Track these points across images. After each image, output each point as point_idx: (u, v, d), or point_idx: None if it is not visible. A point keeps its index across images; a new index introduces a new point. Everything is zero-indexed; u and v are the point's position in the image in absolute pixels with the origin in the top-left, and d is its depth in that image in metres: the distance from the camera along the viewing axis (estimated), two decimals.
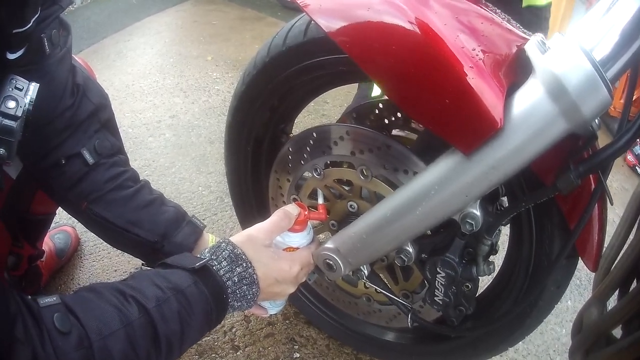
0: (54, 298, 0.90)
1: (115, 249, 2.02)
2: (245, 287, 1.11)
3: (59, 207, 1.66)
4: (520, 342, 1.95)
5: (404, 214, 1.05)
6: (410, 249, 1.16)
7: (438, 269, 1.16)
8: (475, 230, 1.02)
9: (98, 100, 1.38)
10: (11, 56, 1.04)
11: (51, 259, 1.93)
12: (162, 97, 3.15)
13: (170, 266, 1.08)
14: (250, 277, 1.12)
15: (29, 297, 0.88)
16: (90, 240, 2.14)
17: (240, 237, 1.18)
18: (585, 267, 2.30)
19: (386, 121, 1.37)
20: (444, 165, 0.96)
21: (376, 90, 2.24)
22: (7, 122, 1.04)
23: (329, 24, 0.99)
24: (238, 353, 1.80)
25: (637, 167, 3.28)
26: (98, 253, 2.09)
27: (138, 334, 0.92)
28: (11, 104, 1.04)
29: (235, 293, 1.10)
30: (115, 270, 2.02)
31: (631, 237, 1.19)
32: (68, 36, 1.25)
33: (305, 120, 3.04)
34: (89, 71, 1.44)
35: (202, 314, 1.04)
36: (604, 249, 1.27)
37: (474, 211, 1.00)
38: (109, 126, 1.43)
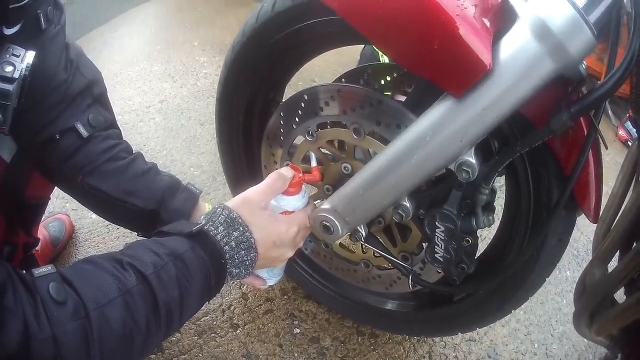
0: (49, 267, 0.89)
1: (109, 233, 2.06)
2: (243, 252, 1.10)
3: (53, 193, 1.66)
4: (522, 313, 2.01)
5: (400, 164, 1.05)
6: (408, 204, 1.16)
7: (437, 223, 1.16)
8: (471, 178, 1.03)
9: (91, 75, 1.39)
10: (8, 31, 1.06)
11: (46, 247, 1.93)
12: (151, 83, 3.15)
13: (167, 234, 1.07)
14: (248, 242, 1.11)
15: (23, 271, 0.86)
16: (85, 227, 2.14)
17: (236, 200, 1.17)
18: (582, 239, 2.34)
19: (375, 86, 1.37)
20: (437, 110, 0.98)
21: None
22: (3, 85, 1.05)
23: None
24: (237, 331, 1.81)
25: (629, 142, 3.34)
26: (93, 239, 2.09)
27: (137, 301, 0.91)
28: (8, 68, 1.06)
29: (233, 258, 1.09)
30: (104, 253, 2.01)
31: (628, 196, 1.21)
32: (61, 15, 1.27)
33: None
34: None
35: (201, 278, 1.03)
36: (602, 212, 1.28)
37: (470, 159, 1.00)
38: (102, 101, 1.44)
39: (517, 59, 0.88)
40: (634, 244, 1.13)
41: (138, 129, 2.75)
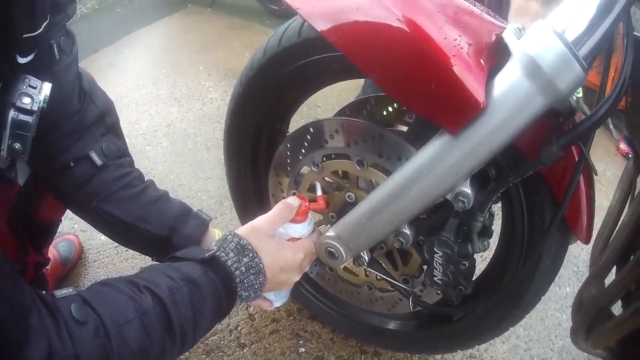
0: (70, 289, 0.93)
1: (118, 254, 2.09)
2: (252, 276, 1.15)
3: (64, 216, 1.70)
4: (522, 329, 2.00)
5: (399, 196, 1.10)
6: (408, 231, 1.20)
7: (435, 249, 1.21)
8: (467, 207, 1.07)
9: (104, 105, 1.42)
10: (22, 60, 1.07)
11: (56, 267, 1.96)
12: (157, 107, 3.18)
13: (180, 259, 1.12)
14: (257, 267, 1.15)
15: (43, 292, 0.90)
16: (94, 247, 2.18)
17: (245, 228, 1.22)
18: (582, 254, 2.35)
19: (378, 116, 1.42)
20: (434, 146, 1.02)
21: None
22: (23, 117, 1.08)
23: (322, 25, 1.05)
24: (244, 350, 1.84)
25: (629, 155, 3.31)
26: (102, 260, 2.13)
27: (153, 322, 0.95)
28: (26, 100, 1.08)
29: (243, 282, 1.14)
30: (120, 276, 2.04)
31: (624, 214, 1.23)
32: (74, 44, 1.29)
33: (298, 124, 3.02)
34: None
35: (213, 301, 1.07)
36: (599, 229, 1.31)
37: (465, 189, 1.04)
38: (115, 130, 1.48)
39: (510, 97, 0.91)
40: (631, 258, 1.14)
41: (145, 153, 2.78)
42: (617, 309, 1.22)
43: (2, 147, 1.09)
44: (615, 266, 1.23)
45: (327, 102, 3.32)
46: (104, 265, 2.11)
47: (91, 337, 0.87)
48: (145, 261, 2.07)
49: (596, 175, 1.12)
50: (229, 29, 4.31)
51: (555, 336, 2.07)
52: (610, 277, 1.21)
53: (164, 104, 3.22)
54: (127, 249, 2.06)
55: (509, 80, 0.92)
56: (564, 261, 1.28)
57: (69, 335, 0.84)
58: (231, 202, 1.84)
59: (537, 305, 1.37)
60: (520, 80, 0.90)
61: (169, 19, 4.41)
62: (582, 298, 1.27)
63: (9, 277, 0.81)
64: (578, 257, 2.48)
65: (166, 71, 3.58)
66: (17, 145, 1.09)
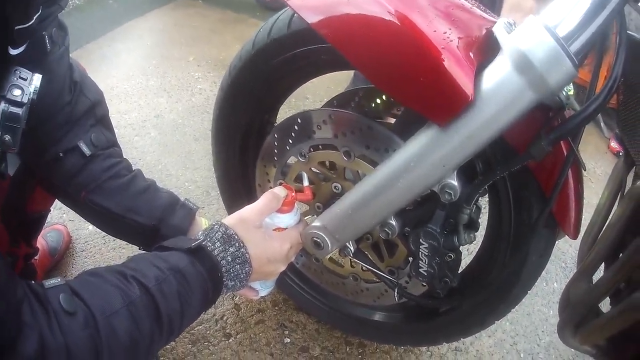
0: (58, 279, 0.92)
1: (106, 244, 2.09)
2: (238, 266, 1.15)
3: (53, 206, 1.69)
4: (508, 324, 2.01)
5: (386, 188, 1.10)
6: (394, 223, 1.20)
7: (421, 240, 1.21)
8: (454, 199, 1.07)
9: (94, 97, 1.42)
10: (13, 51, 1.07)
11: (44, 257, 1.96)
12: (147, 97, 3.18)
13: (167, 248, 1.11)
14: (243, 257, 1.16)
15: (32, 282, 0.89)
16: (82, 237, 2.18)
17: (232, 219, 1.21)
18: (570, 251, 2.36)
19: (366, 108, 1.42)
20: (422, 138, 1.02)
21: None
22: (13, 109, 1.08)
23: (312, 16, 1.04)
24: (230, 340, 1.85)
25: (620, 153, 3.33)
26: (90, 250, 2.13)
27: (141, 312, 0.95)
28: (17, 92, 1.08)
29: (229, 272, 1.14)
30: (107, 266, 2.04)
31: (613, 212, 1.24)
32: (65, 36, 1.29)
33: (287, 115, 3.03)
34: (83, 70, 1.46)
35: (200, 291, 1.07)
36: (587, 225, 1.32)
37: (452, 182, 1.05)
38: (104, 121, 1.48)
39: (499, 91, 0.90)
40: (621, 255, 1.14)
41: (134, 143, 2.78)
42: (604, 306, 1.22)
43: None
44: (603, 263, 1.22)
45: (316, 93, 3.33)
46: (92, 255, 2.11)
47: (81, 328, 0.86)
48: (133, 251, 2.07)
49: (585, 170, 1.13)
50: (221, 22, 4.31)
51: (542, 331, 2.09)
52: (598, 274, 1.21)
53: (153, 94, 3.22)
54: (115, 238, 2.09)
55: (499, 74, 0.91)
56: (552, 257, 1.29)
57: (59, 326, 0.84)
58: (218, 192, 1.85)
59: (524, 300, 1.38)
60: (509, 74, 0.89)
61: (160, 11, 4.40)
62: (570, 294, 1.26)
63: (2, 272, 0.80)
64: (566, 253, 2.50)
65: (156, 62, 3.59)
66: (8, 138, 1.09)
